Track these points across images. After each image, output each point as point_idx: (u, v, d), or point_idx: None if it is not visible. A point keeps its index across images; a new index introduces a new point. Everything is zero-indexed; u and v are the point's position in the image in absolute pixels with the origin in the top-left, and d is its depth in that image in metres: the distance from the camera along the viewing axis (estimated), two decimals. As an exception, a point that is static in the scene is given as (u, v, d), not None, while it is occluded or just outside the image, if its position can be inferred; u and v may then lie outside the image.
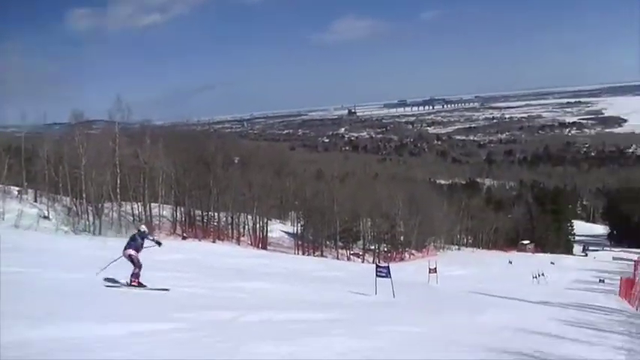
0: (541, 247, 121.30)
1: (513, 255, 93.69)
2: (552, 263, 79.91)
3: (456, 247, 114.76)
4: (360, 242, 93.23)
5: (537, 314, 20.47)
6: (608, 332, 16.70)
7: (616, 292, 47.07)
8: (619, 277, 53.18)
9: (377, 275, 23.88)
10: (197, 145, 77.70)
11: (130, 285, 14.31)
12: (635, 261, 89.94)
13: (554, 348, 12.20)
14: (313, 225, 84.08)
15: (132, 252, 14.37)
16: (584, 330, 16.38)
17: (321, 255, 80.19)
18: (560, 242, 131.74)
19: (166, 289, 14.88)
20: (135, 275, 14.40)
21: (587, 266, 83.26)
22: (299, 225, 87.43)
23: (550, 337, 14.12)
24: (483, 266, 71.90)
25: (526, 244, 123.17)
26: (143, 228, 15.13)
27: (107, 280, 14.81)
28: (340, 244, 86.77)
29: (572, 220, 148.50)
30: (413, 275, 41.18)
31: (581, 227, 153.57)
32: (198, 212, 75.11)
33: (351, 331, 11.92)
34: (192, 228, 73.64)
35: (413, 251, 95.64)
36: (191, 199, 73.75)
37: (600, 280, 60.05)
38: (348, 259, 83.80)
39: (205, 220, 75.18)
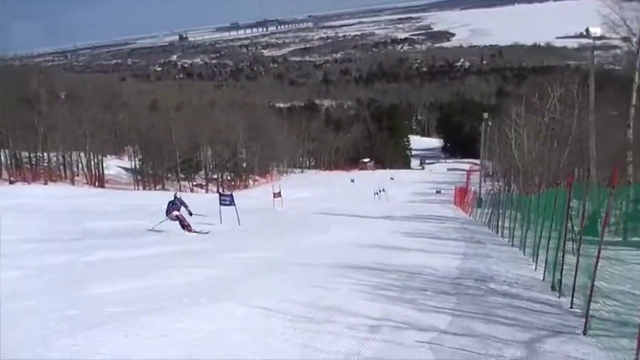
0: (381, 163, 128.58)
1: (355, 173, 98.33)
2: (392, 179, 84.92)
3: (299, 169, 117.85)
4: (202, 172, 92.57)
5: (380, 228, 21.73)
6: (446, 239, 18.23)
7: (451, 201, 51.66)
8: (453, 187, 58.29)
9: (221, 204, 23.72)
10: (17, 82, 70.63)
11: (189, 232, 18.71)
12: (467, 171, 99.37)
13: (397, 258, 13.00)
14: (152, 158, 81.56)
15: (176, 213, 19.18)
16: (424, 239, 17.70)
17: (163, 188, 78.11)
18: (398, 158, 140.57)
19: (207, 232, 19.07)
20: (187, 227, 18.86)
21: (425, 179, 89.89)
22: (137, 159, 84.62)
23: (392, 248, 15.03)
24: (327, 187, 74.83)
25: (366, 162, 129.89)
26: (178, 195, 20.81)
27: None
28: (182, 175, 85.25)
29: (409, 136, 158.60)
30: (258, 201, 41.58)
31: (418, 142, 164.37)
32: (25, 154, 69.73)
33: (196, 262, 11.82)
34: (19, 171, 68.27)
35: (256, 177, 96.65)
36: (15, 140, 68.05)
37: (437, 192, 65.42)
38: (192, 190, 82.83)
39: (34, 162, 70.15)
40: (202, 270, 10.80)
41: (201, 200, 53.36)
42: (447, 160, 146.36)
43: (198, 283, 9.45)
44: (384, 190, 59.36)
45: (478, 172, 65.25)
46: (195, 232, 19.00)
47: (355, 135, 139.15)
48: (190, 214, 19.49)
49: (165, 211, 19.69)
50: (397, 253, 14.15)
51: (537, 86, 47.93)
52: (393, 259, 12.91)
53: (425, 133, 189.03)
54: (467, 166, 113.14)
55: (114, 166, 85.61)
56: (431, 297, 8.81)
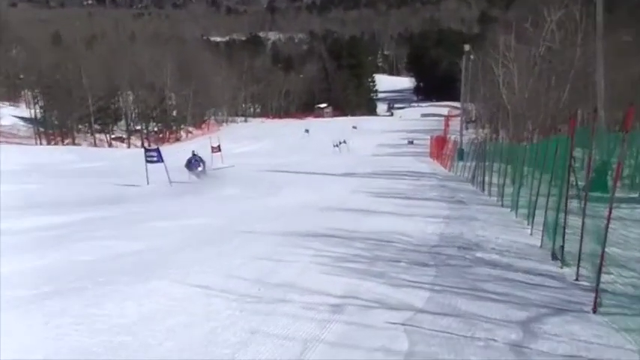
0: (340, 109, 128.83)
1: (310, 122, 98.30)
2: (354, 127, 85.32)
3: (242, 118, 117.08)
4: (123, 123, 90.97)
5: (341, 188, 21.85)
6: (421, 199, 18.41)
7: (427, 154, 52.19)
8: (429, 137, 58.87)
9: (147, 161, 23.63)
10: None
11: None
12: (445, 116, 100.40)
13: (363, 223, 13.07)
14: (57, 106, 79.77)
15: (200, 168, 26.32)
16: (393, 200, 17.83)
17: (73, 143, 76.86)
18: (361, 102, 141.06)
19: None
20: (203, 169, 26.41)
21: (394, 127, 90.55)
22: (38, 107, 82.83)
23: (356, 211, 15.11)
24: (276, 138, 74.67)
25: (323, 108, 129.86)
26: (195, 152, 27.37)
27: None
28: (97, 127, 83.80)
29: (374, 75, 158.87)
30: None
31: (385, 82, 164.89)
32: None
33: (118, 232, 11.67)
34: None
35: (190, 128, 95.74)
36: None
37: (409, 142, 66.08)
38: (110, 144, 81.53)
39: None
40: (125, 242, 10.64)
41: (122, 156, 52.79)
42: (421, 104, 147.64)
43: (120, 258, 9.30)
44: (344, 142, 59.61)
45: (458, 118, 66.00)
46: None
47: (309, 75, 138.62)
48: (204, 163, 27.18)
49: (186, 167, 26.14)
50: (363, 217, 14.23)
51: (530, 9, 46.05)
52: (358, 224, 12.97)
53: (393, 71, 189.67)
54: (445, 111, 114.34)
55: (8, 115, 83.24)
56: (405, 269, 8.86)
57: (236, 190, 21.11)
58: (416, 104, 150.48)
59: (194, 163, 26.55)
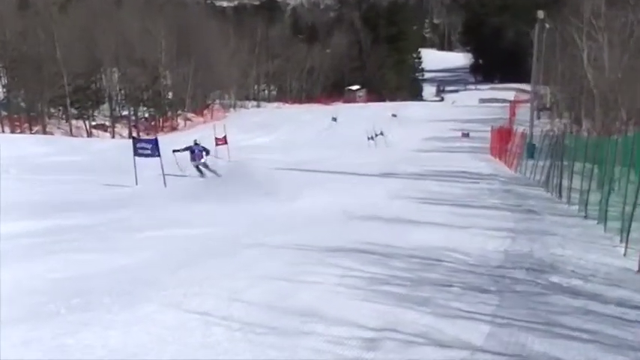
0: (377, 92, 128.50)
1: (338, 108, 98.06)
2: (394, 116, 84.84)
3: (254, 103, 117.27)
4: (106, 107, 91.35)
5: (377, 191, 21.72)
6: (479, 208, 18.27)
7: (487, 150, 51.76)
8: (489, 128, 58.42)
9: (137, 154, 23.68)
10: None
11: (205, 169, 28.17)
12: (510, 102, 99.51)
13: (404, 236, 12.98)
14: (24, 84, 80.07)
15: (204, 160, 28.27)
16: (443, 208, 17.71)
17: (44, 131, 77.28)
18: (403, 84, 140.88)
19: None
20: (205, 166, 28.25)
21: (444, 116, 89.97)
22: (0, 86, 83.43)
23: (397, 221, 15.03)
24: (296, 128, 74.69)
25: (355, 91, 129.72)
26: (198, 141, 29.43)
27: None
28: (74, 111, 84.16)
29: (420, 50, 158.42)
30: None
31: (433, 58, 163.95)
32: None
33: (99, 243, 11.70)
34: None
35: (189, 114, 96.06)
36: None
37: (463, 135, 65.63)
38: (90, 134, 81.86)
39: None
40: (108, 256, 10.68)
41: (105, 148, 53.10)
42: (479, 87, 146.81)
43: (103, 276, 9.31)
44: (381, 134, 59.34)
45: (528, 105, 65.44)
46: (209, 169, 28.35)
47: (338, 50, 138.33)
48: (207, 152, 29.25)
49: (190, 158, 28.20)
50: (404, 228, 14.17)
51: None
52: (398, 237, 12.90)
53: (444, 44, 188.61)
54: (510, 95, 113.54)
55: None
56: (458, 296, 8.78)
57: (245, 193, 21.10)
58: (473, 87, 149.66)
59: (197, 153, 28.42)
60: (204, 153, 28.74)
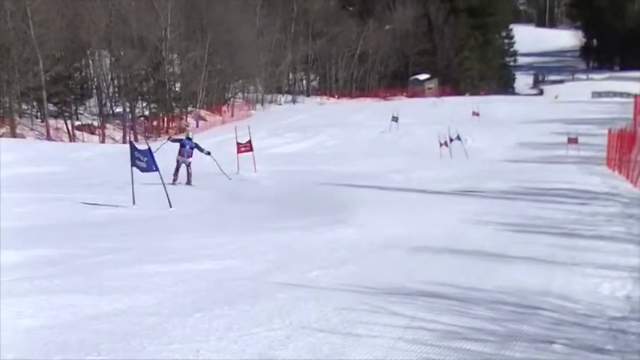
0: (453, 83, 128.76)
1: (401, 104, 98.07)
2: (476, 114, 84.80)
3: (288, 97, 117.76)
4: (94, 101, 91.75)
5: (450, 215, 21.69)
6: (591, 238, 18.12)
7: (602, 160, 51.21)
8: (605, 131, 57.88)
9: (135, 165, 23.81)
10: None
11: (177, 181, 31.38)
12: (636, 96, 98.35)
13: (490, 275, 12.96)
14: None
15: (190, 160, 32.03)
16: (542, 239, 17.60)
17: (12, 133, 77.46)
18: (489, 72, 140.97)
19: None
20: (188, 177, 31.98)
21: (544, 114, 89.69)
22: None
23: (475, 255, 15.01)
24: (343, 131, 74.78)
25: (424, 82, 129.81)
26: (191, 135, 32.98)
27: None
28: (52, 108, 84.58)
29: (511, 27, 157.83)
30: (207, 159, 41.76)
31: (530, 39, 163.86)
32: None
33: (83, 282, 11.77)
34: None
35: (203, 112, 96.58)
36: None
37: (571, 140, 65.14)
38: (72, 137, 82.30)
39: None
40: (94, 299, 10.73)
41: (92, 156, 53.50)
42: (593, 76, 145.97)
43: (89, 325, 9.35)
44: (459, 138, 59.36)
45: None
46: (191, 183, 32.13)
47: (400, 27, 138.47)
48: (208, 153, 33.93)
49: (178, 152, 32.68)
50: (490, 265, 14.16)
51: None
52: (481, 277, 12.91)
53: (546, 20, 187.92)
54: (635, 87, 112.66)
55: None
56: (563, 357, 8.72)
57: (278, 215, 21.17)
58: (584, 76, 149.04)
59: (187, 150, 32.85)
60: (193, 151, 32.74)
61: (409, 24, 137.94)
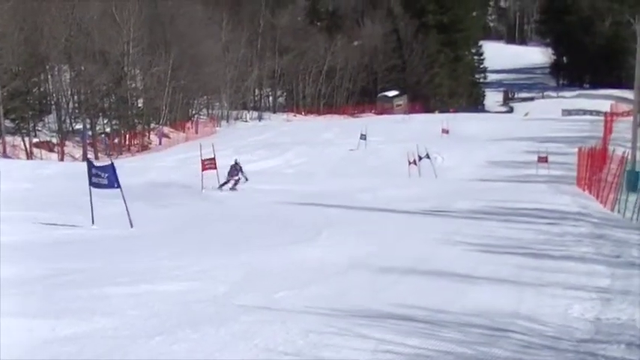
0: (422, 100, 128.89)
1: (370, 121, 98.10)
2: (445, 132, 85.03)
3: (254, 114, 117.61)
4: (53, 117, 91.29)
5: (419, 236, 21.75)
6: (560, 259, 18.22)
7: (572, 179, 51.41)
8: (576, 150, 58.20)
9: (92, 184, 23.66)
10: None
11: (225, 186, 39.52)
12: (605, 114, 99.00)
13: (452, 299, 13.00)
14: None
15: (236, 177, 39.77)
16: (511, 259, 17.70)
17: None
18: (459, 88, 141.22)
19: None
20: (234, 182, 39.85)
21: (514, 132, 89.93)
22: None
23: (444, 277, 15.09)
24: (311, 148, 74.78)
25: (392, 98, 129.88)
26: (237, 160, 41.32)
27: None
28: (9, 124, 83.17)
29: (481, 43, 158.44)
30: (171, 177, 41.67)
31: (500, 55, 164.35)
32: None
33: (36, 305, 11.69)
34: None
35: (166, 129, 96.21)
36: None
37: (541, 159, 65.38)
38: (30, 154, 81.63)
39: None
40: (49, 323, 10.64)
41: (50, 175, 53.10)
42: (563, 94, 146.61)
43: (42, 351, 9.30)
44: (427, 157, 59.46)
45: (630, 118, 65.19)
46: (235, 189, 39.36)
47: (369, 42, 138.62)
48: (246, 179, 40.09)
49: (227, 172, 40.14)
50: (459, 286, 14.23)
51: None
52: (450, 299, 12.96)
53: (516, 37, 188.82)
54: (605, 105, 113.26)
55: None
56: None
57: (241, 236, 21.15)
58: (554, 93, 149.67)
59: (233, 170, 40.27)
60: (239, 172, 40.32)
61: (378, 40, 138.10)
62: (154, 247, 19.14)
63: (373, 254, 17.74)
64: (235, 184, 39.79)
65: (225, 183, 39.70)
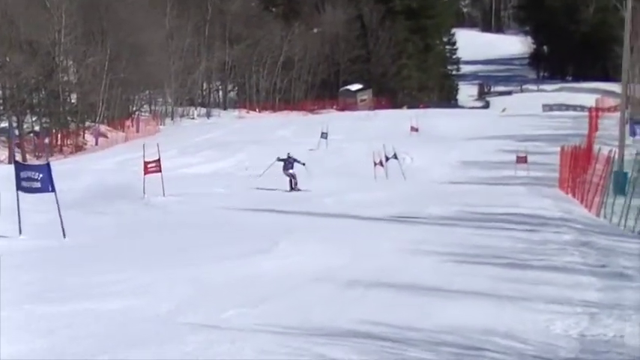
0: (389, 95, 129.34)
1: (331, 118, 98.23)
2: (414, 130, 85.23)
3: (202, 110, 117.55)
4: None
5: (386, 244, 21.79)
6: (541, 269, 18.30)
7: (554, 181, 51.64)
8: (558, 149, 58.45)
9: (21, 189, 23.49)
10: None
11: (293, 190, 45.83)
12: (589, 110, 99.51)
13: (422, 314, 13.01)
14: None
15: (291, 171, 47.03)
16: (487, 270, 17.78)
17: None
18: (429, 82, 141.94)
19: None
20: (295, 184, 46.34)
21: (490, 129, 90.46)
22: None
23: (414, 290, 15.13)
24: (266, 148, 74.62)
25: (356, 92, 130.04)
26: (291, 153, 48.67)
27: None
28: None
29: (453, 31, 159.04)
30: (109, 180, 41.49)
31: (475, 44, 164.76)
32: None
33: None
34: None
35: (103, 127, 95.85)
36: None
37: (519, 158, 65.62)
38: None
39: None
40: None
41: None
42: (544, 87, 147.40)
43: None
44: (395, 157, 59.57)
45: (617, 114, 65.57)
46: (299, 189, 44.76)
47: (330, 30, 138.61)
48: (303, 164, 47.85)
49: (282, 167, 46.85)
50: (429, 300, 14.27)
51: None
52: (420, 314, 13.00)
53: (492, 24, 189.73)
54: (590, 99, 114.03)
55: None
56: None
57: (189, 244, 21.11)
58: (534, 86, 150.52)
59: (287, 164, 46.87)
60: (293, 165, 47.04)
61: (340, 27, 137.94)
62: (90, 260, 19.05)
63: (336, 266, 17.76)
64: (295, 183, 45.87)
65: (292, 182, 46.05)
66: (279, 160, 48.19)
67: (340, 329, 11.62)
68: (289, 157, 47.12)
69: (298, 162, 47.46)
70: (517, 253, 20.73)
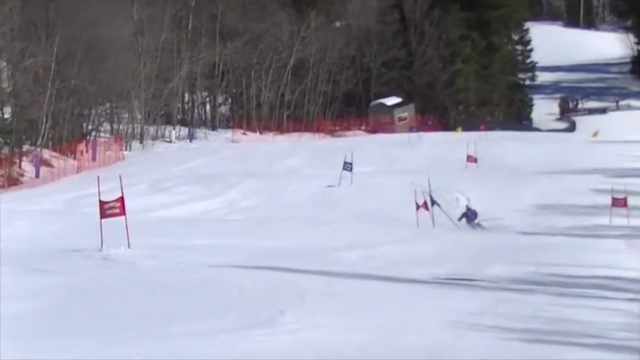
0: (436, 111, 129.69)
1: (357, 140, 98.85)
2: (473, 160, 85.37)
3: (184, 130, 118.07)
4: None
5: (431, 317, 21.78)
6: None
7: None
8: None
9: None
10: None
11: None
12: None
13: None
14: None
15: (477, 221, 59.85)
16: (577, 354, 17.71)
17: None
18: (492, 94, 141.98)
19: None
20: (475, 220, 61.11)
21: (577, 160, 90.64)
22: None
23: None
24: (269, 183, 75.12)
25: (393, 108, 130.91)
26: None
27: None
28: None
29: (526, 25, 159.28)
30: (56, 227, 41.74)
31: (554, 44, 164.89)
32: None
33: None
34: None
35: (47, 152, 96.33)
36: None
37: (616, 201, 65.45)
38: None
39: None
40: None
41: None
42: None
43: None
44: (433, 201, 59.47)
45: None
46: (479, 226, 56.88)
47: (358, 23, 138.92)
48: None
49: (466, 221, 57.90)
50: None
51: None
52: None
53: (580, 19, 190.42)
54: None
55: None
56: None
57: (161, 314, 21.18)
58: (638, 101, 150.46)
59: (471, 216, 53.87)
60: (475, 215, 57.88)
61: (372, 20, 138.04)
62: (25, 336, 19.07)
63: (365, 344, 17.78)
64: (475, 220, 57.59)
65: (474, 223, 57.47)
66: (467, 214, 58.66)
67: None
68: (468, 209, 58.96)
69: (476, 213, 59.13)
70: (614, 331, 20.68)
